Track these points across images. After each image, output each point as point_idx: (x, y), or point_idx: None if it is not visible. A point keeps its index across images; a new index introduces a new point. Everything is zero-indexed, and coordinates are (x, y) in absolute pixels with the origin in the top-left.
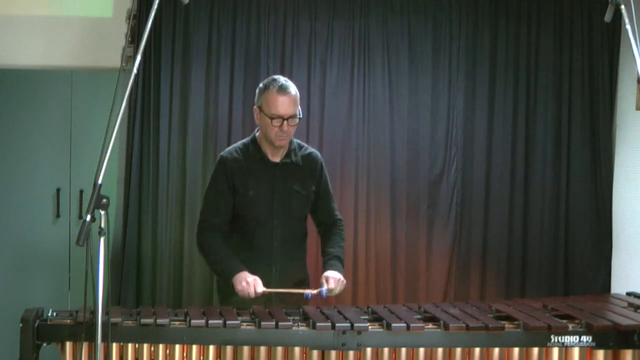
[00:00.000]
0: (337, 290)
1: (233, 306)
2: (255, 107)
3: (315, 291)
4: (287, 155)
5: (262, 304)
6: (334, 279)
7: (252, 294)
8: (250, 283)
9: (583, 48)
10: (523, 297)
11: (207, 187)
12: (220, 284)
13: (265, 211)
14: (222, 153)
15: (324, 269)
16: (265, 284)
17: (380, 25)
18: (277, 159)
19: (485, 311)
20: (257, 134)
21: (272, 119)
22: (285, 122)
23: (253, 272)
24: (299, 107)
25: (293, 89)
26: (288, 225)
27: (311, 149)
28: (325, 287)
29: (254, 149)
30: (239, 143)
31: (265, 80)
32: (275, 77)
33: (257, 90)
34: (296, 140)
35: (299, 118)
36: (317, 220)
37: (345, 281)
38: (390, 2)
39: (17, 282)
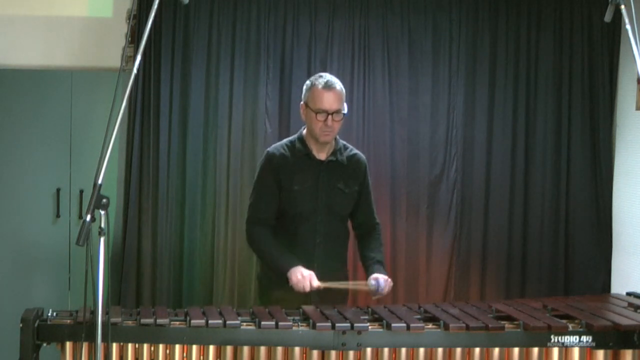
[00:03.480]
0: (387, 290)
1: (273, 300)
2: (302, 103)
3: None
4: (333, 153)
5: (303, 299)
6: (383, 279)
7: (307, 288)
8: (306, 277)
9: (583, 48)
10: (523, 297)
11: (255, 182)
12: (261, 277)
13: (309, 207)
14: (268, 149)
15: (368, 272)
16: None
17: (380, 25)
18: (322, 156)
19: (485, 311)
20: (303, 131)
21: (317, 113)
22: (329, 117)
23: None
24: (345, 103)
25: (339, 85)
26: (331, 222)
27: (356, 151)
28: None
29: (300, 146)
30: (285, 140)
31: (312, 77)
32: (322, 74)
33: (304, 87)
34: (342, 141)
35: (344, 114)
36: (357, 222)
37: (392, 282)
38: (390, 2)
39: (17, 282)
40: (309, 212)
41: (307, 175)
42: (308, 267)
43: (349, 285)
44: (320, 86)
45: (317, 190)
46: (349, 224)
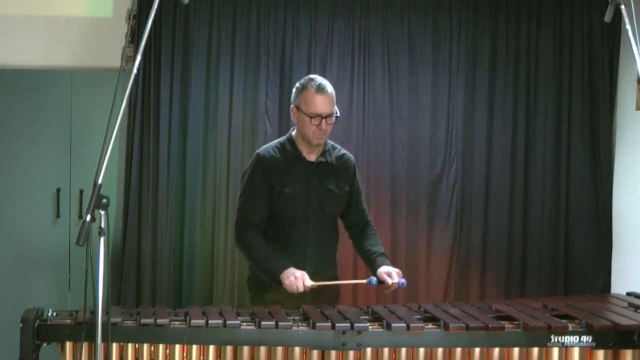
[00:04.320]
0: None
1: (265, 303)
2: (292, 106)
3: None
4: (323, 154)
5: (294, 301)
6: (395, 272)
7: (301, 288)
8: (299, 277)
9: (583, 48)
10: (523, 297)
11: (244, 184)
12: (252, 281)
13: (301, 209)
14: (258, 151)
15: (375, 265)
16: None
17: (380, 25)
18: (312, 158)
19: (485, 311)
20: (293, 133)
21: (310, 117)
22: (323, 121)
23: None
24: (336, 105)
25: (330, 88)
26: (322, 223)
27: (344, 151)
28: (375, 278)
29: (290, 148)
30: (275, 142)
31: (303, 80)
32: (312, 76)
33: (294, 90)
34: (330, 142)
35: (337, 116)
36: (350, 223)
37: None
38: (390, 2)
39: (17, 282)
40: (301, 214)
41: (298, 177)
42: (300, 268)
43: (342, 282)
44: (312, 89)
45: (309, 192)
46: (340, 224)
